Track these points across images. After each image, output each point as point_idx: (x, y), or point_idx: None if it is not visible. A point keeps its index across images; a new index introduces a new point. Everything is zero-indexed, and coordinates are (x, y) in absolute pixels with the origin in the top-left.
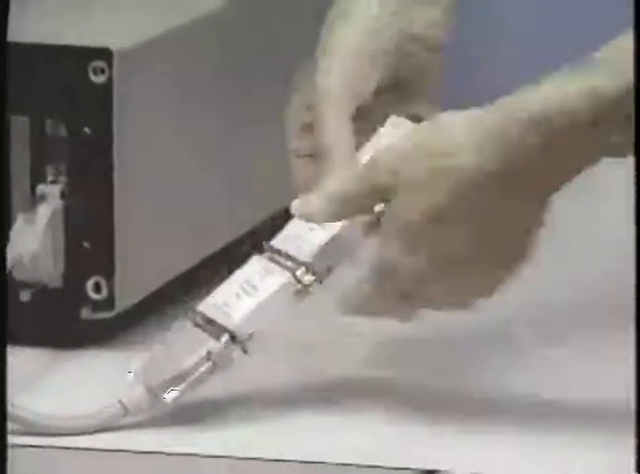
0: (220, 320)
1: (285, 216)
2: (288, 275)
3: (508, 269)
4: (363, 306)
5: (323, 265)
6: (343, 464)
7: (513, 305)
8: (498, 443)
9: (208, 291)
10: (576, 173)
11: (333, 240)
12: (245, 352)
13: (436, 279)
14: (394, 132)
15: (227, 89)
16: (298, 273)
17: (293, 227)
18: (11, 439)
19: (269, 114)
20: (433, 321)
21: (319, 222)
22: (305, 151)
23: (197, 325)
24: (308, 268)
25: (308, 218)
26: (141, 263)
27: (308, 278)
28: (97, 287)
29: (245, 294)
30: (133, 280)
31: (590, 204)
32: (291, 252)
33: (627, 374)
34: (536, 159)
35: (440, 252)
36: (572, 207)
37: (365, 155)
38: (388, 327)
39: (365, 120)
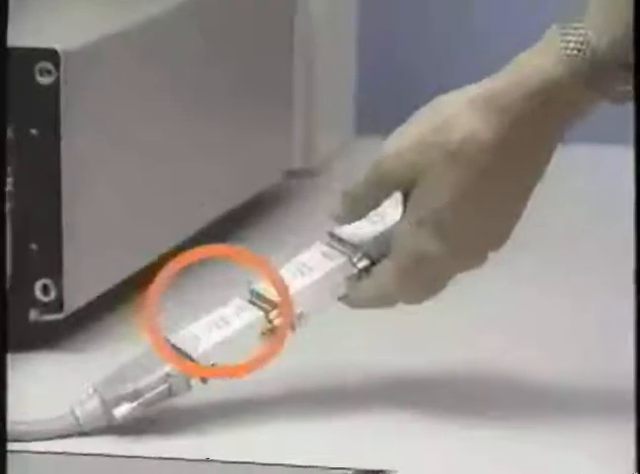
0: (186, 348)
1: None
2: (261, 314)
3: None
4: (380, 296)
5: (296, 311)
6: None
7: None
8: (497, 445)
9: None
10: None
11: (309, 287)
12: (204, 381)
13: (465, 251)
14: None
15: (178, 89)
16: (271, 314)
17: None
18: None
19: (218, 115)
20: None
21: (347, 223)
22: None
23: None
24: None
25: (338, 221)
26: (90, 264)
27: (278, 321)
28: (45, 289)
29: (216, 328)
30: (82, 282)
31: None
32: (269, 296)
33: (627, 373)
34: (530, 122)
35: (470, 224)
36: None
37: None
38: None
39: None
